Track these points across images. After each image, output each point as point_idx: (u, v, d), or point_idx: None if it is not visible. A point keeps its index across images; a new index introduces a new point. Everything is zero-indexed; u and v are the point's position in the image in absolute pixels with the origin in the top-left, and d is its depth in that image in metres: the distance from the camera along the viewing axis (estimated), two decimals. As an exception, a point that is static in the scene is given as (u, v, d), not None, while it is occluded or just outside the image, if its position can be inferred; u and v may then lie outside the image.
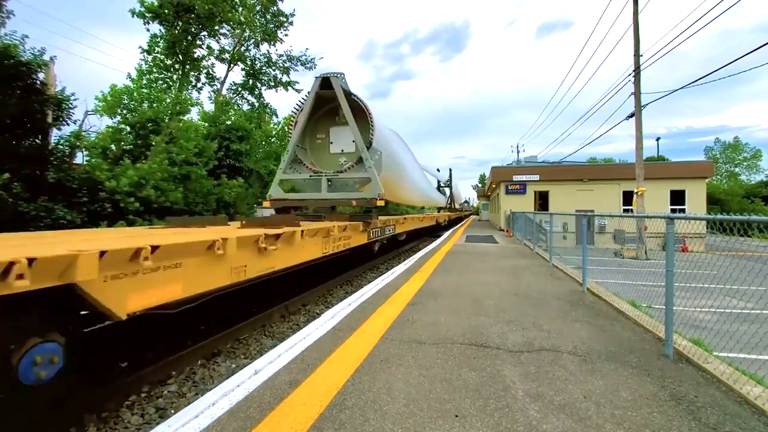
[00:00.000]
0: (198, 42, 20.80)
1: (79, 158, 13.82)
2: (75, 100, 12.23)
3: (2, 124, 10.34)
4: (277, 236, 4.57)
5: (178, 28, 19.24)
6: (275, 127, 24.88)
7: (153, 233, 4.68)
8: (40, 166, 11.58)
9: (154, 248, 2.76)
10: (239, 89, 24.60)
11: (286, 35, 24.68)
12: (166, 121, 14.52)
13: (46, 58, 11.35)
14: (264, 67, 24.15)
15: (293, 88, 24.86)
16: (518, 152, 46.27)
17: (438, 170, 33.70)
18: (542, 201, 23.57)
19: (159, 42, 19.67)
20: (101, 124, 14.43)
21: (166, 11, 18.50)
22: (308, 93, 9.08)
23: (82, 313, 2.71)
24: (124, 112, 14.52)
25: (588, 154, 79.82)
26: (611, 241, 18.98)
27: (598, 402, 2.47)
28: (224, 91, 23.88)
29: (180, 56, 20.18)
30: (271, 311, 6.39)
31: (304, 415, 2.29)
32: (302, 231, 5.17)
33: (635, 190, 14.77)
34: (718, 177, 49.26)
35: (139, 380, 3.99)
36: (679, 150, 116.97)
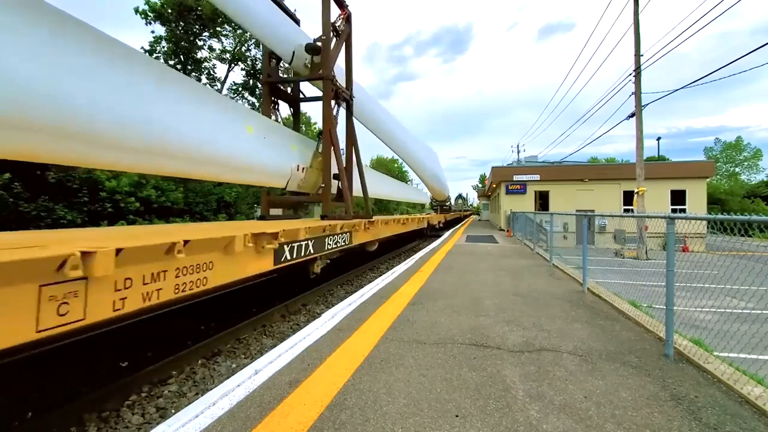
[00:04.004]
0: (200, 42, 20.84)
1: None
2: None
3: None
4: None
5: (180, 28, 19.28)
6: None
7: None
8: (40, 166, 11.58)
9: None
10: (240, 89, 24.62)
11: (286, 35, 24.65)
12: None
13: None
14: (264, 67, 24.14)
15: (293, 88, 24.83)
16: (518, 152, 46.24)
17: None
18: (542, 201, 23.54)
19: (161, 42, 19.72)
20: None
21: (169, 11, 18.54)
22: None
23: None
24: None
25: (589, 154, 79.84)
26: (612, 241, 18.95)
27: (598, 402, 2.47)
28: (225, 91, 23.89)
29: (182, 56, 20.23)
30: (271, 311, 6.40)
31: (304, 415, 2.29)
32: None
33: (636, 190, 14.75)
34: (719, 177, 49.20)
35: (139, 380, 3.99)
36: (679, 150, 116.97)
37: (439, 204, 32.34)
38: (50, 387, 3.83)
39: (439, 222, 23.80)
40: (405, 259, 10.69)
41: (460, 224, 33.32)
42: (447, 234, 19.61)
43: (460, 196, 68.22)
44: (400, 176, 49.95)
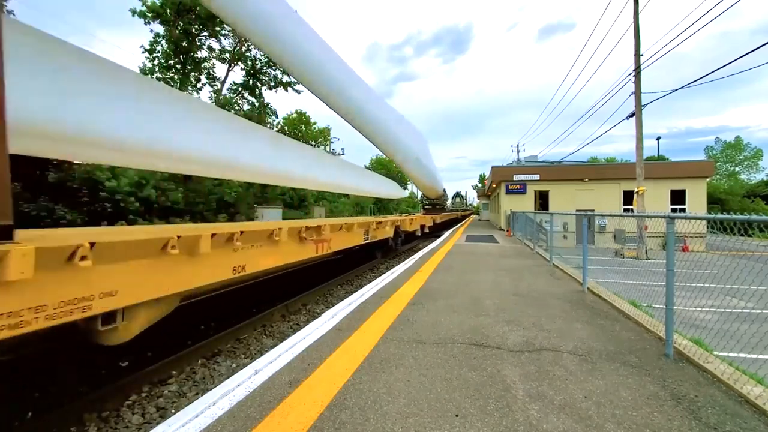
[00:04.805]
0: (199, 42, 20.86)
1: (80, 158, 13.82)
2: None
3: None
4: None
5: (179, 28, 19.30)
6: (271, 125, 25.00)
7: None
8: (40, 166, 11.59)
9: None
10: (239, 89, 24.64)
11: (286, 35, 24.67)
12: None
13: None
14: (264, 67, 24.18)
15: (293, 89, 24.90)
16: (518, 152, 46.24)
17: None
18: (542, 201, 23.55)
19: (161, 41, 19.73)
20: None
21: (168, 11, 18.56)
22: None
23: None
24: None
25: (589, 153, 79.76)
26: (612, 240, 18.96)
27: (598, 402, 2.47)
28: (224, 91, 23.91)
29: (181, 56, 20.24)
30: (271, 311, 6.40)
31: (304, 415, 2.29)
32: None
33: (636, 190, 14.76)
34: (719, 176, 49.21)
35: (139, 380, 3.99)
36: (679, 150, 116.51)
37: (432, 202, 27.36)
38: (50, 387, 3.83)
39: (423, 226, 17.62)
40: (405, 258, 10.69)
41: (459, 224, 30.52)
42: (447, 234, 19.57)
43: (458, 195, 63.29)
44: (400, 178, 45.13)
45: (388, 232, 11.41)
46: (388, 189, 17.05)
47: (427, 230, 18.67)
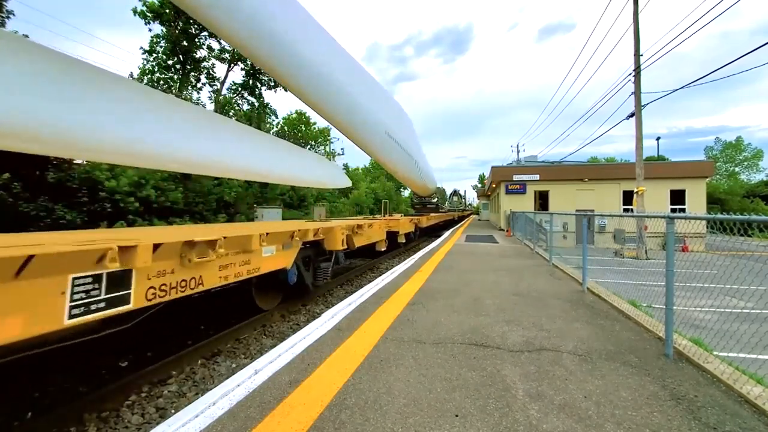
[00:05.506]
0: (198, 42, 20.85)
1: (79, 158, 13.81)
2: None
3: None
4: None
5: (178, 28, 19.29)
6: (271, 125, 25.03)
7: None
8: (40, 166, 11.58)
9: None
10: (239, 89, 24.63)
11: (286, 35, 24.66)
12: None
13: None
14: (264, 67, 24.17)
15: (293, 88, 24.88)
16: (518, 152, 46.22)
17: None
18: (542, 201, 23.56)
19: (160, 42, 19.75)
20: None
21: (167, 11, 18.55)
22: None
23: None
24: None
25: (589, 153, 79.75)
26: (611, 240, 18.97)
27: (598, 402, 2.47)
28: (224, 91, 23.90)
29: (181, 56, 20.23)
30: (271, 310, 6.39)
31: (304, 415, 2.29)
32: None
33: (635, 190, 14.77)
34: (718, 177, 49.25)
35: (139, 380, 3.99)
36: (679, 150, 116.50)
37: (421, 201, 23.66)
38: (50, 387, 3.83)
39: (395, 234, 11.96)
40: (405, 258, 10.69)
41: (457, 226, 27.98)
42: (447, 234, 19.55)
43: (455, 193, 59.45)
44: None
45: (272, 264, 5.21)
46: (311, 172, 9.55)
47: (403, 239, 13.31)
